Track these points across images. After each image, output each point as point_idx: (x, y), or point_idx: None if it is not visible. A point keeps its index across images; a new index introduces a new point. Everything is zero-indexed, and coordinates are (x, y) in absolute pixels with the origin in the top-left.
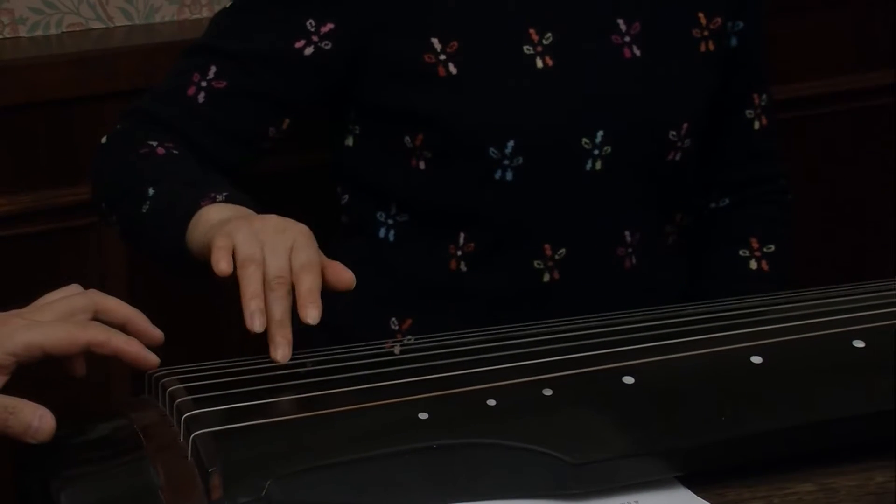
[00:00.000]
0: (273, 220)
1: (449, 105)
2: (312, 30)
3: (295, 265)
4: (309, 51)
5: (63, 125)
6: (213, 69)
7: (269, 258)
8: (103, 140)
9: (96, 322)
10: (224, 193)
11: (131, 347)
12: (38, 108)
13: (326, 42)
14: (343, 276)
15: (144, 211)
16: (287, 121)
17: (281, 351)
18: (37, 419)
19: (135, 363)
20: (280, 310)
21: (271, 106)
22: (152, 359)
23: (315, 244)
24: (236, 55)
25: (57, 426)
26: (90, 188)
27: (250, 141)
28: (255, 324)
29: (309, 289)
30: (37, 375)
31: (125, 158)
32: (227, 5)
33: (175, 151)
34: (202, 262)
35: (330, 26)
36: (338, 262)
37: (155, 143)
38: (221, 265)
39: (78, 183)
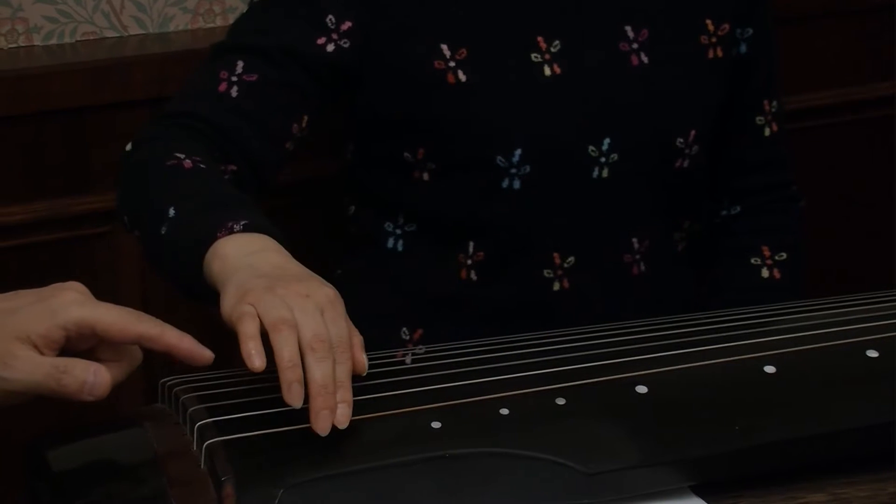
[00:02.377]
0: (295, 285)
1: (457, 112)
2: (332, 27)
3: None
4: (330, 48)
5: (76, 134)
6: (241, 64)
7: (302, 319)
8: (128, 147)
9: (150, 316)
10: (243, 221)
11: (184, 343)
12: (51, 116)
13: (345, 40)
14: (360, 361)
15: (163, 233)
16: (306, 118)
17: (322, 423)
18: (91, 374)
19: (188, 359)
20: (321, 372)
21: (297, 98)
22: (207, 354)
23: (343, 311)
24: (262, 49)
25: (69, 435)
26: (116, 198)
27: (279, 136)
28: (294, 397)
29: (341, 380)
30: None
31: (150, 172)
32: (244, 10)
33: (202, 165)
34: (215, 292)
35: (348, 24)
36: (358, 338)
37: (182, 156)
38: (255, 362)
39: (91, 192)
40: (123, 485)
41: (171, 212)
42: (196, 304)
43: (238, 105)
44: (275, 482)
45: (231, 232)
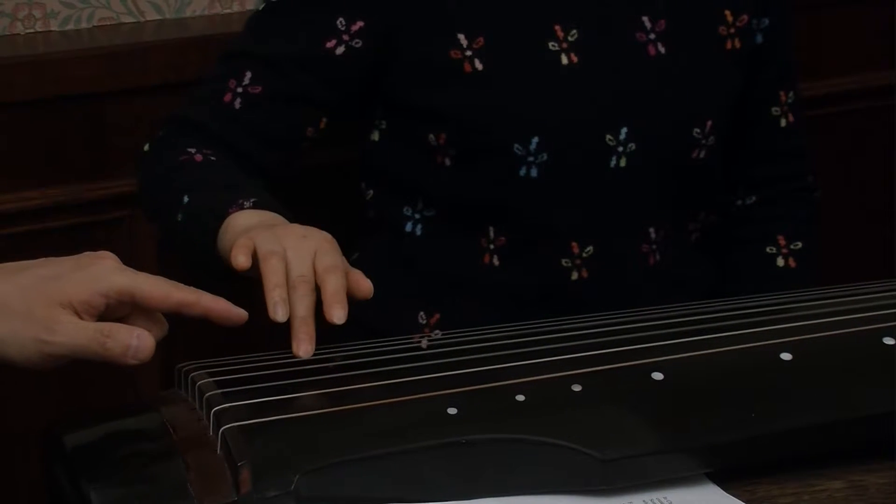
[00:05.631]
0: (296, 227)
1: (474, 101)
2: (343, 29)
3: (319, 267)
4: (340, 50)
5: (94, 119)
6: (249, 74)
7: (293, 257)
8: (145, 148)
9: (183, 284)
10: (252, 199)
11: (220, 305)
12: (69, 102)
13: (357, 40)
14: (362, 284)
15: (179, 220)
16: (324, 120)
17: (304, 346)
18: (135, 338)
19: (226, 320)
20: (303, 307)
21: (307, 107)
22: (242, 313)
23: (338, 250)
24: (270, 58)
25: (87, 419)
26: (137, 195)
27: (289, 143)
28: (278, 313)
29: (335, 289)
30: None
31: (164, 168)
32: (259, 5)
33: (213, 158)
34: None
35: (360, 24)
36: (358, 271)
37: (193, 150)
38: (240, 259)
39: (109, 177)
40: (140, 470)
41: (185, 199)
42: (216, 283)
43: (240, 117)
44: (291, 467)
45: (241, 208)
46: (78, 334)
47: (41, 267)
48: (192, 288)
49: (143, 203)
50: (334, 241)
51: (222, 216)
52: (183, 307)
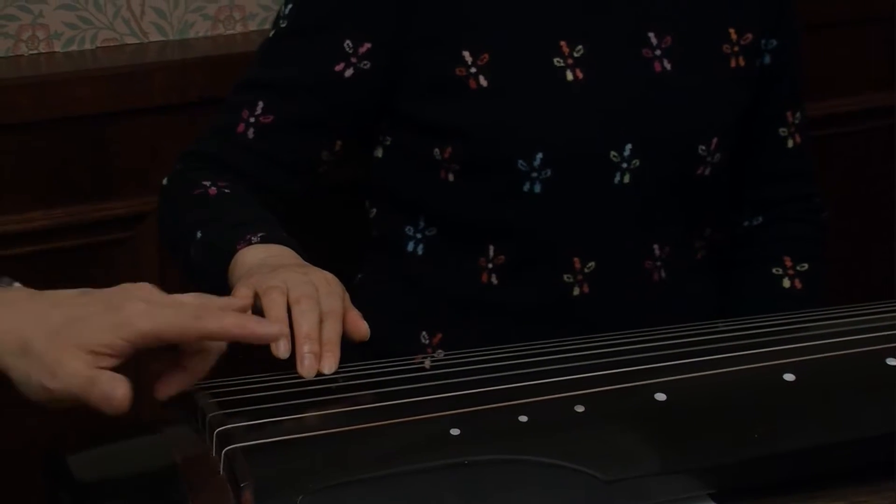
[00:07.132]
0: (296, 268)
1: (479, 117)
2: (350, 51)
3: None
4: (349, 73)
5: (97, 140)
6: (261, 104)
7: (293, 285)
8: (164, 181)
9: (214, 305)
10: (260, 234)
11: (246, 331)
12: (72, 122)
13: (365, 62)
14: (360, 326)
15: (192, 255)
16: (339, 143)
17: (307, 365)
18: (110, 388)
19: (256, 340)
20: (306, 323)
21: (321, 132)
22: (274, 330)
23: (339, 290)
24: (280, 86)
25: (89, 441)
26: (158, 230)
27: (304, 168)
28: (280, 349)
29: (328, 338)
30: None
31: (179, 202)
32: (268, 29)
33: (227, 190)
34: None
35: (367, 46)
36: (357, 312)
37: (208, 183)
38: (237, 300)
39: (111, 198)
40: (143, 491)
41: (198, 234)
42: None
43: (254, 147)
44: (294, 488)
45: (249, 244)
46: (71, 381)
47: (74, 304)
48: (218, 314)
49: (161, 236)
50: (336, 279)
51: (231, 252)
52: (209, 338)
